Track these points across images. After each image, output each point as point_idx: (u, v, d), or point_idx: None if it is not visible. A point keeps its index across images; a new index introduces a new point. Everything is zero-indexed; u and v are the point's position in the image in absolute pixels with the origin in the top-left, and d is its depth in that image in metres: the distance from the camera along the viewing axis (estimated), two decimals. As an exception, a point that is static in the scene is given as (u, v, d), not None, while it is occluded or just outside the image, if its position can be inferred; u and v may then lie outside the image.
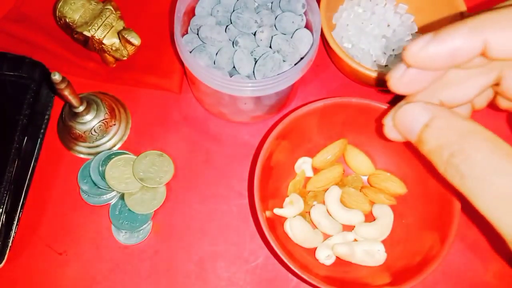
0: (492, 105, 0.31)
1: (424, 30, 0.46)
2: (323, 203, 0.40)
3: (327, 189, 0.40)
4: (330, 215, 0.39)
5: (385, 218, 0.39)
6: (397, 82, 0.26)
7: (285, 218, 0.38)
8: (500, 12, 0.23)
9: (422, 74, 0.26)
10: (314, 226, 0.40)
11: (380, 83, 0.42)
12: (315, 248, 0.38)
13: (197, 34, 0.39)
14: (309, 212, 0.40)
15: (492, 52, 0.23)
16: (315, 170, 0.41)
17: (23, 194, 0.40)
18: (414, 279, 0.32)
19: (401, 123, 0.25)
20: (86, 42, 0.43)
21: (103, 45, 0.42)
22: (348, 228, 0.40)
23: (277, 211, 0.38)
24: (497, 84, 0.26)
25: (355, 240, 0.39)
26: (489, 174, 0.22)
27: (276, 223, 0.38)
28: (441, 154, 0.23)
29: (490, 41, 0.23)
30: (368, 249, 0.37)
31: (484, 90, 0.27)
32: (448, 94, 0.27)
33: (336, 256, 0.38)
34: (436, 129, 0.24)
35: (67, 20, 0.42)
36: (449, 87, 0.27)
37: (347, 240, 0.38)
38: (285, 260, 0.32)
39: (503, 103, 0.29)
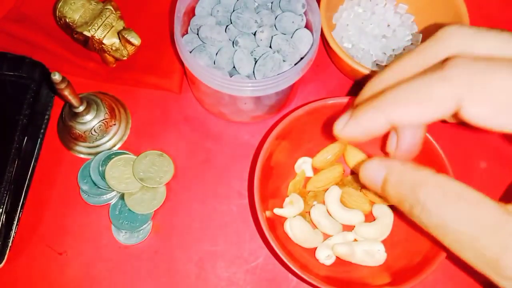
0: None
1: (424, 30, 0.46)
2: (323, 203, 0.40)
3: (327, 189, 0.40)
4: (330, 215, 0.39)
5: (385, 218, 0.39)
6: (339, 133, 0.28)
7: (285, 218, 0.38)
8: (398, 90, 0.24)
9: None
10: (314, 226, 0.40)
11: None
12: (315, 248, 0.38)
13: (197, 34, 0.39)
14: (309, 212, 0.40)
15: (399, 124, 0.25)
16: (315, 170, 0.41)
17: (23, 194, 0.40)
18: (414, 279, 0.32)
19: (365, 179, 0.27)
20: (86, 42, 0.43)
21: (103, 45, 0.42)
22: (348, 228, 0.40)
23: (277, 211, 0.38)
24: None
25: (355, 240, 0.39)
26: (445, 221, 0.23)
27: (276, 223, 0.38)
28: (404, 206, 0.25)
29: (394, 118, 0.24)
30: (368, 249, 0.37)
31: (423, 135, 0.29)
32: (398, 116, 0.27)
33: (336, 256, 0.38)
34: (392, 185, 0.25)
35: (67, 20, 0.42)
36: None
37: (347, 240, 0.38)
38: (285, 260, 0.32)
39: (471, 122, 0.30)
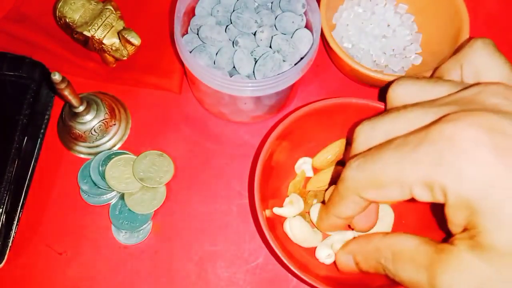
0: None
1: (424, 30, 0.46)
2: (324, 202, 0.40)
3: (328, 188, 0.40)
4: (330, 214, 0.39)
5: (386, 217, 0.39)
6: (322, 227, 0.34)
7: (284, 218, 0.38)
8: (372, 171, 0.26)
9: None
10: (314, 226, 0.40)
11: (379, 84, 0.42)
12: (315, 248, 0.38)
13: (197, 34, 0.39)
14: (309, 212, 0.40)
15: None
16: (315, 170, 0.41)
17: (23, 194, 0.40)
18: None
19: (344, 269, 0.33)
20: (86, 42, 0.43)
21: (103, 45, 0.42)
22: (347, 227, 0.39)
23: (276, 210, 0.38)
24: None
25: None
26: (401, 276, 0.26)
27: (276, 223, 0.38)
28: (382, 271, 0.29)
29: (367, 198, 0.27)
30: None
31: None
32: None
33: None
34: (363, 264, 0.30)
35: (67, 20, 0.42)
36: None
37: (347, 238, 0.38)
38: (285, 261, 0.32)
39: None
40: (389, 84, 0.30)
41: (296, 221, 0.37)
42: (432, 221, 0.36)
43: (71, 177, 0.41)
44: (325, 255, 0.37)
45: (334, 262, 0.38)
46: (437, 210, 0.36)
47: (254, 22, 0.38)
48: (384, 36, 0.46)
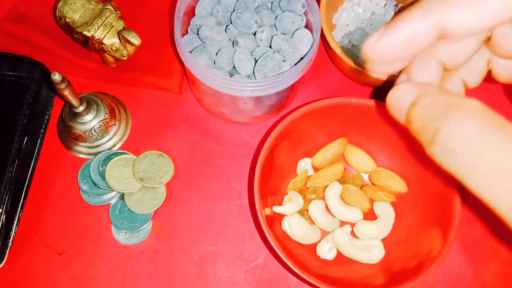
0: (489, 79, 0.29)
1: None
2: (323, 198, 0.40)
3: (327, 185, 0.40)
4: (329, 210, 0.40)
5: (387, 216, 0.39)
6: (371, 50, 0.24)
7: (284, 216, 0.38)
8: None
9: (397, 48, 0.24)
10: (312, 223, 0.40)
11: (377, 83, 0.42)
12: (315, 248, 0.38)
13: (197, 34, 0.39)
14: (307, 210, 0.40)
15: (451, 32, 0.22)
16: (315, 170, 0.41)
17: (23, 194, 0.40)
18: (414, 279, 0.32)
19: (392, 105, 0.25)
20: (86, 42, 0.43)
21: (103, 45, 0.42)
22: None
23: (276, 208, 0.38)
24: (489, 39, 0.25)
25: (354, 235, 0.39)
26: (478, 150, 0.20)
27: (276, 221, 0.38)
28: (427, 132, 0.22)
29: (446, 22, 0.21)
30: (367, 243, 0.37)
31: (479, 46, 0.25)
32: (444, 52, 0.25)
33: (337, 252, 0.38)
34: (422, 106, 0.23)
35: (67, 20, 0.42)
36: (444, 45, 0.25)
37: (346, 231, 0.39)
38: (284, 259, 0.32)
39: (500, 74, 0.28)
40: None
41: (294, 218, 0.38)
42: (432, 221, 0.36)
43: (71, 177, 0.41)
44: (326, 250, 0.38)
45: (334, 261, 0.38)
46: (436, 210, 0.36)
47: (254, 22, 0.38)
48: (384, 36, 0.46)
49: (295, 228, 0.37)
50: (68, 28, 0.43)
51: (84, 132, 0.40)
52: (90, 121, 0.40)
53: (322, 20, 0.39)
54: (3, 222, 0.37)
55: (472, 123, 0.21)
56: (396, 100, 0.24)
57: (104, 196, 0.41)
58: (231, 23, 0.39)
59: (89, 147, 0.42)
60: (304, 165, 0.41)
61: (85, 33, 0.41)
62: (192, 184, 0.42)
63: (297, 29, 0.39)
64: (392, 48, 0.23)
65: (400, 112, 0.24)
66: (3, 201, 0.37)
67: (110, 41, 0.42)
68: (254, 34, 0.39)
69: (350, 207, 0.39)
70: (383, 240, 0.38)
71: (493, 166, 0.20)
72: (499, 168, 0.20)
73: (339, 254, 0.38)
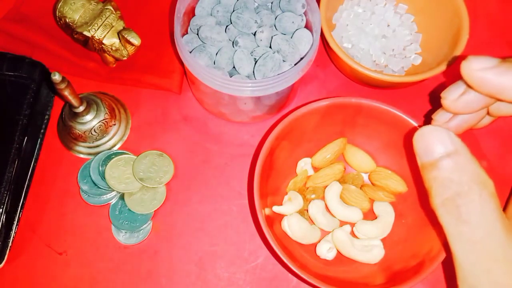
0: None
1: (424, 30, 0.46)
2: (323, 198, 0.40)
3: (327, 185, 0.40)
4: (329, 210, 0.40)
5: (387, 216, 0.39)
6: (452, 104, 0.28)
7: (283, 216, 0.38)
8: None
9: (476, 99, 0.27)
10: (312, 223, 0.40)
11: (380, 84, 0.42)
12: (315, 248, 0.38)
13: (197, 34, 0.39)
14: (307, 209, 0.40)
15: None
16: (315, 170, 0.41)
17: (23, 194, 0.40)
18: (414, 279, 0.32)
19: (423, 142, 0.26)
20: (86, 42, 0.43)
21: (103, 45, 0.42)
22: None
23: (276, 208, 0.38)
24: None
25: (352, 233, 0.39)
26: (484, 230, 0.23)
27: (276, 221, 0.38)
28: (448, 188, 0.24)
29: None
30: (366, 243, 0.37)
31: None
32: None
33: (337, 251, 0.38)
34: (454, 163, 0.25)
35: (67, 20, 0.42)
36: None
37: (346, 231, 0.39)
38: (284, 259, 0.32)
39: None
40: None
41: (294, 218, 0.38)
42: (432, 221, 0.36)
43: (71, 177, 0.41)
44: (326, 249, 0.38)
45: (334, 261, 0.38)
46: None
47: (254, 22, 0.38)
48: (384, 36, 0.46)
49: (295, 228, 0.37)
50: (68, 28, 0.43)
51: (84, 132, 0.40)
52: (90, 121, 0.40)
53: (322, 20, 0.39)
54: (3, 222, 0.37)
55: (490, 206, 0.24)
56: (430, 141, 0.26)
57: (104, 196, 0.41)
58: (231, 23, 0.39)
59: (89, 147, 0.42)
60: (304, 165, 0.41)
61: (85, 33, 0.41)
62: (192, 184, 0.42)
63: (297, 29, 0.39)
64: (486, 84, 0.25)
65: (430, 153, 0.26)
66: (3, 201, 0.37)
67: (110, 41, 0.42)
68: (254, 34, 0.39)
69: (350, 207, 0.39)
70: (383, 240, 0.38)
71: (486, 253, 0.24)
72: (490, 258, 0.24)
73: (339, 254, 0.38)
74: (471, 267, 0.24)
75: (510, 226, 0.24)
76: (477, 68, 0.25)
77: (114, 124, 0.42)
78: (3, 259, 0.38)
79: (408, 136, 0.37)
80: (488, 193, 0.24)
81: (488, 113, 0.32)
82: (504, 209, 0.31)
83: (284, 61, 0.38)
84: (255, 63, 0.38)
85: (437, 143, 0.26)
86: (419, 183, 0.38)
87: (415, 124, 0.36)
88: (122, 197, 0.40)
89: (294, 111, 0.37)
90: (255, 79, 0.38)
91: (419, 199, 0.38)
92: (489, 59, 0.25)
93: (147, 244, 0.40)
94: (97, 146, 0.42)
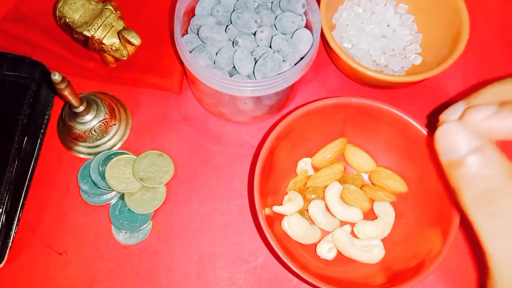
0: None
1: (424, 30, 0.46)
2: (323, 198, 0.40)
3: (327, 185, 0.40)
4: (329, 210, 0.40)
5: (387, 216, 0.39)
6: (480, 124, 0.26)
7: (283, 216, 0.38)
8: None
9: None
10: (312, 222, 0.40)
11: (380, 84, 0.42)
12: (315, 248, 0.38)
13: (197, 34, 0.39)
14: (307, 209, 0.40)
15: None
16: (315, 170, 0.41)
17: (23, 194, 0.40)
18: (414, 279, 0.32)
19: (447, 139, 0.25)
20: (86, 42, 0.43)
21: (103, 45, 0.42)
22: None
23: (276, 208, 0.38)
24: None
25: (352, 233, 0.39)
26: None
27: (276, 221, 0.38)
28: (478, 184, 0.24)
29: None
30: (366, 243, 0.37)
31: None
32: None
33: (337, 251, 0.38)
34: (482, 158, 0.24)
35: (67, 20, 0.42)
36: None
37: (346, 231, 0.39)
38: (284, 259, 0.32)
39: None
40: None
41: (294, 218, 0.38)
42: (432, 221, 0.36)
43: (71, 177, 0.41)
44: (326, 249, 0.38)
45: (334, 261, 0.38)
46: (436, 210, 0.36)
47: (254, 22, 0.38)
48: (384, 36, 0.46)
49: (295, 228, 0.37)
50: (68, 28, 0.43)
51: (84, 132, 0.40)
52: (90, 121, 0.40)
53: (322, 20, 0.39)
54: (3, 222, 0.37)
55: None
56: (454, 138, 0.25)
57: (104, 196, 0.41)
58: (231, 23, 0.39)
59: (89, 147, 0.42)
60: (304, 165, 0.41)
61: (85, 33, 0.41)
62: (192, 184, 0.42)
63: (297, 29, 0.39)
64: (495, 131, 0.24)
65: (455, 151, 0.25)
66: (3, 201, 0.37)
67: (110, 41, 0.42)
68: (254, 34, 0.39)
69: (350, 207, 0.39)
70: (383, 240, 0.38)
71: None
72: None
73: (339, 254, 0.38)
74: (510, 267, 0.23)
75: None
76: (481, 118, 0.25)
77: (114, 124, 0.42)
78: (3, 259, 0.38)
79: (411, 138, 0.37)
80: None
81: None
82: None
83: (284, 61, 0.38)
84: (255, 63, 0.38)
85: (461, 140, 0.25)
86: (419, 183, 0.39)
87: (415, 124, 0.36)
88: (122, 197, 0.40)
89: (294, 111, 0.37)
90: (255, 79, 0.38)
91: (419, 199, 0.38)
92: (488, 107, 0.25)
93: (147, 244, 0.40)
94: (97, 146, 0.42)
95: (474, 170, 0.24)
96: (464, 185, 0.24)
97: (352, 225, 0.39)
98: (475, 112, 0.25)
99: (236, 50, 0.38)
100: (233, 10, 0.39)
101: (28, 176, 0.41)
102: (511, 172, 0.23)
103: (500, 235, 0.23)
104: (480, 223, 0.24)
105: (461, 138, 0.25)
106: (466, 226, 0.41)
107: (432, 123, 0.44)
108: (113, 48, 0.42)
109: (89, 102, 0.40)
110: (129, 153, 0.42)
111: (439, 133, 0.26)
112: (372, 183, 0.41)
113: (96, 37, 0.42)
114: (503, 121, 0.24)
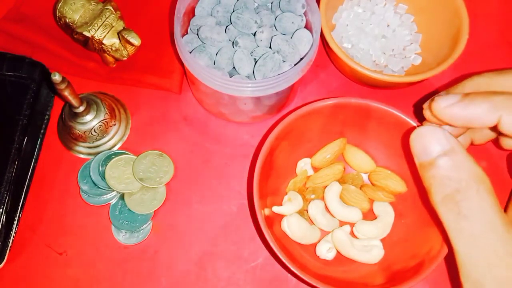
0: (496, 144, 0.34)
1: (424, 30, 0.46)
2: (322, 198, 0.40)
3: (327, 185, 0.40)
4: (328, 210, 0.40)
5: (387, 216, 0.39)
6: (442, 111, 0.28)
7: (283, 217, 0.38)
8: None
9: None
10: (312, 223, 0.40)
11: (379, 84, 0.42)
12: (314, 248, 0.38)
13: (197, 34, 0.39)
14: (307, 210, 0.40)
15: (503, 128, 0.26)
16: (315, 170, 0.41)
17: (23, 194, 0.40)
18: (414, 279, 0.32)
19: (419, 143, 0.27)
20: (86, 42, 0.43)
21: (103, 45, 0.42)
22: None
23: (275, 208, 0.38)
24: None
25: (352, 233, 0.39)
26: (484, 224, 0.24)
27: (275, 222, 0.38)
28: (447, 185, 0.26)
29: (504, 120, 0.26)
30: (366, 243, 0.37)
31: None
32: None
33: (337, 252, 0.38)
34: (451, 161, 0.26)
35: (67, 20, 0.42)
36: None
37: (345, 231, 0.39)
38: (283, 259, 0.32)
39: (505, 143, 0.33)
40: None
41: (293, 218, 0.38)
42: (432, 221, 0.36)
43: (71, 177, 0.41)
44: (326, 250, 0.38)
45: (334, 261, 0.38)
46: (435, 209, 0.36)
47: (254, 22, 0.38)
48: (383, 36, 0.46)
49: (294, 228, 0.37)
50: (68, 28, 0.43)
51: (84, 132, 0.41)
52: (90, 121, 0.40)
53: (322, 20, 0.39)
54: (3, 222, 0.37)
55: (488, 202, 0.25)
56: (427, 141, 0.27)
57: (104, 196, 0.41)
58: (231, 23, 0.39)
59: (89, 147, 0.42)
60: (304, 165, 0.41)
61: (85, 33, 0.41)
62: (192, 184, 0.42)
63: (297, 30, 0.39)
64: (456, 118, 0.27)
65: (426, 153, 0.27)
66: (3, 201, 0.37)
67: (110, 41, 0.42)
68: (254, 35, 0.39)
69: (350, 207, 0.39)
70: (383, 240, 0.38)
71: (486, 247, 0.24)
72: (490, 252, 0.24)
73: (338, 254, 0.38)
74: (473, 263, 0.25)
75: (508, 221, 0.25)
76: (444, 105, 0.27)
77: (114, 124, 0.42)
78: (3, 259, 0.38)
79: (407, 137, 0.37)
80: (486, 189, 0.25)
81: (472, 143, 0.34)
82: (505, 209, 0.31)
83: (284, 61, 0.38)
84: (255, 64, 0.38)
85: (433, 143, 0.27)
86: (418, 183, 0.39)
87: (414, 124, 0.36)
88: (122, 197, 0.40)
89: (294, 111, 0.37)
90: (255, 79, 0.38)
91: (419, 199, 0.38)
92: (452, 96, 0.27)
93: (147, 244, 0.40)
94: (97, 146, 0.42)
95: (443, 172, 0.26)
96: (435, 185, 0.26)
97: (352, 225, 0.39)
98: (440, 100, 0.27)
99: (236, 51, 0.38)
100: (233, 11, 0.39)
101: (28, 176, 0.41)
102: (478, 175, 0.25)
103: (464, 234, 0.25)
104: (448, 222, 0.26)
105: (433, 141, 0.27)
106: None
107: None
108: (113, 49, 0.42)
109: (89, 102, 0.40)
110: (129, 153, 0.42)
111: (414, 136, 0.28)
112: (371, 183, 0.41)
113: (96, 37, 0.42)
114: (463, 109, 0.26)
